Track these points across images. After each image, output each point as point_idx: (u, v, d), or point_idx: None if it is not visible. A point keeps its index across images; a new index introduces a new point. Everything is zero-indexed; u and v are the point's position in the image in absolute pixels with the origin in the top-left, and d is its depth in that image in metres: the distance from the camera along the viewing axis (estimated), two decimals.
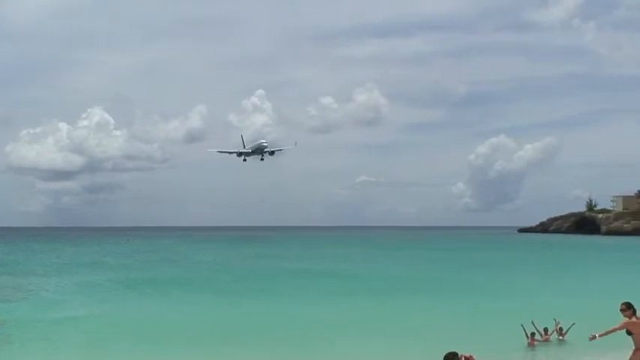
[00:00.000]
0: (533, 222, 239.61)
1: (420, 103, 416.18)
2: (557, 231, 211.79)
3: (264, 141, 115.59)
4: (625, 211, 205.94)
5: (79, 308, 37.93)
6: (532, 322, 26.64)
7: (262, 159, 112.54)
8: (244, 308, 38.30)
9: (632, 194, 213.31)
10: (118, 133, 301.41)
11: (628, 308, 15.75)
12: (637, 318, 15.64)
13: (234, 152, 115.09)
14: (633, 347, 15.79)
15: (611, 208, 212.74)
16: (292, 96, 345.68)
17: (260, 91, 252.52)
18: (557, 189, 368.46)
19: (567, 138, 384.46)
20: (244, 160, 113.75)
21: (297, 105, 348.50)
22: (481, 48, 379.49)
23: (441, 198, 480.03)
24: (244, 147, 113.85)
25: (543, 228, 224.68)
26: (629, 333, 15.76)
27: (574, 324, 26.71)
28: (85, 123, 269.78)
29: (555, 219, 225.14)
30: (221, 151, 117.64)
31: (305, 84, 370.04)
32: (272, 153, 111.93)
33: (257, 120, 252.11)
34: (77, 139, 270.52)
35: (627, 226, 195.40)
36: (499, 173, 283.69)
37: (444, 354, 10.53)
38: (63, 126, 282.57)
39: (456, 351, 10.92)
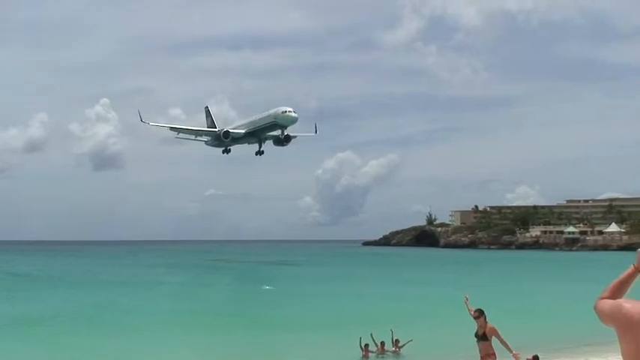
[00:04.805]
0: (377, 235, 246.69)
1: None
2: (398, 244, 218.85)
3: (289, 109, 65.76)
4: (462, 225, 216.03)
5: None
6: (370, 335, 26.63)
7: (261, 152, 68.61)
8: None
9: (469, 209, 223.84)
10: None
11: (481, 314, 16.14)
12: (487, 323, 16.07)
13: (208, 133, 69.45)
14: (482, 353, 16.10)
15: (450, 222, 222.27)
16: (139, 106, 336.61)
17: (105, 100, 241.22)
18: (399, 203, 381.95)
19: (409, 154, 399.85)
20: (226, 150, 69.27)
21: (145, 115, 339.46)
22: (331, 65, 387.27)
23: (291, 212, 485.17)
24: (214, 125, 71.34)
25: (386, 241, 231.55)
26: (484, 339, 15.94)
27: (412, 340, 26.80)
28: None
29: (397, 232, 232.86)
30: (176, 128, 71.44)
31: (153, 94, 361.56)
32: (287, 139, 67.73)
33: (101, 130, 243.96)
34: None
35: (464, 239, 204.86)
36: (345, 188, 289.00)
37: None
38: None
39: None
